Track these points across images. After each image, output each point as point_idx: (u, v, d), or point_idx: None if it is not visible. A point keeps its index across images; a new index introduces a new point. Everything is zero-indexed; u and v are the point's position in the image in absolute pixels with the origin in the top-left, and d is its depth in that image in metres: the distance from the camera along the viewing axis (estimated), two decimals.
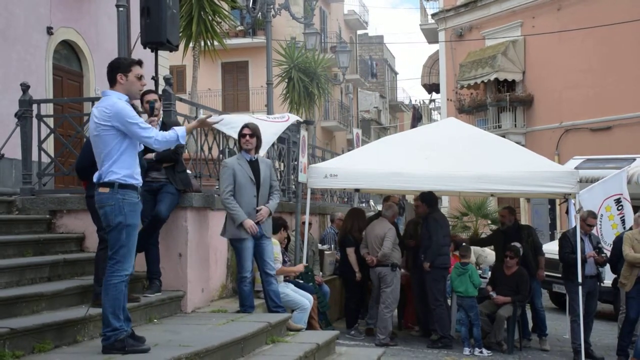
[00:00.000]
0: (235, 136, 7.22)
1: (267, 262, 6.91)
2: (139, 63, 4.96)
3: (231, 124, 7.50)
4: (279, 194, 7.26)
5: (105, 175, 4.71)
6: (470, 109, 25.90)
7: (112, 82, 4.85)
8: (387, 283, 9.05)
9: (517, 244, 9.43)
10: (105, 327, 4.71)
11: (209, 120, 4.96)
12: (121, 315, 4.72)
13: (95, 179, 4.80)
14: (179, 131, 4.83)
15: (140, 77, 4.89)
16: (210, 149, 7.98)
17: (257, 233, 6.80)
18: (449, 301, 9.54)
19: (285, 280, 7.72)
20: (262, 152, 7.57)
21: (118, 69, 4.84)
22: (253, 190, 6.84)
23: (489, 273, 9.97)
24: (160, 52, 8.29)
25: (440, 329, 9.06)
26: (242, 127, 6.97)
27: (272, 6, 14.84)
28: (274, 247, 7.25)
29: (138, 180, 4.84)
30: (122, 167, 4.71)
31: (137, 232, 4.85)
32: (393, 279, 9.07)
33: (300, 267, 8.30)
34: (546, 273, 10.10)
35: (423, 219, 9.51)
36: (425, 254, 9.17)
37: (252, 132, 6.95)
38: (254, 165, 6.92)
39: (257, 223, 6.79)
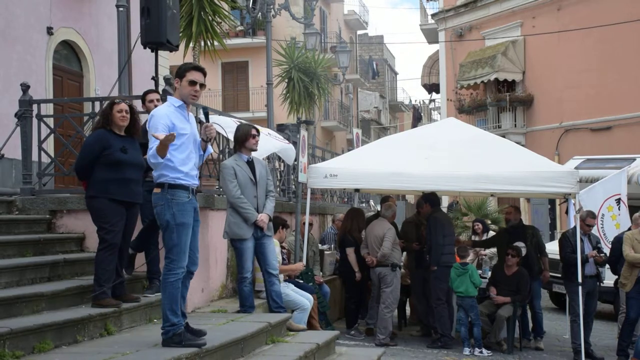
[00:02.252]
0: (231, 137, 7.22)
1: (270, 261, 6.89)
2: (197, 68, 5.03)
3: (228, 127, 7.51)
4: (274, 196, 7.24)
5: (158, 176, 4.89)
6: (470, 109, 25.88)
7: (174, 88, 5.07)
8: (387, 283, 9.06)
9: (521, 243, 9.43)
10: (164, 322, 4.89)
11: (162, 139, 4.63)
12: (178, 310, 4.89)
13: (154, 179, 4.97)
14: (149, 151, 4.77)
15: (192, 82, 4.95)
16: None
17: (258, 232, 6.82)
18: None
19: (285, 280, 7.72)
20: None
21: (176, 74, 5.01)
22: (253, 190, 6.84)
23: (489, 273, 9.97)
24: (160, 52, 8.28)
25: (441, 327, 9.07)
26: (250, 128, 6.98)
27: (272, 6, 14.85)
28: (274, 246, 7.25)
29: (189, 181, 4.93)
30: (172, 169, 4.84)
31: (189, 231, 4.94)
32: (393, 279, 9.08)
33: (299, 266, 8.29)
34: None
35: (426, 219, 9.53)
36: (429, 254, 9.19)
37: (259, 133, 7.00)
38: (251, 165, 6.93)
39: (261, 229, 6.83)
